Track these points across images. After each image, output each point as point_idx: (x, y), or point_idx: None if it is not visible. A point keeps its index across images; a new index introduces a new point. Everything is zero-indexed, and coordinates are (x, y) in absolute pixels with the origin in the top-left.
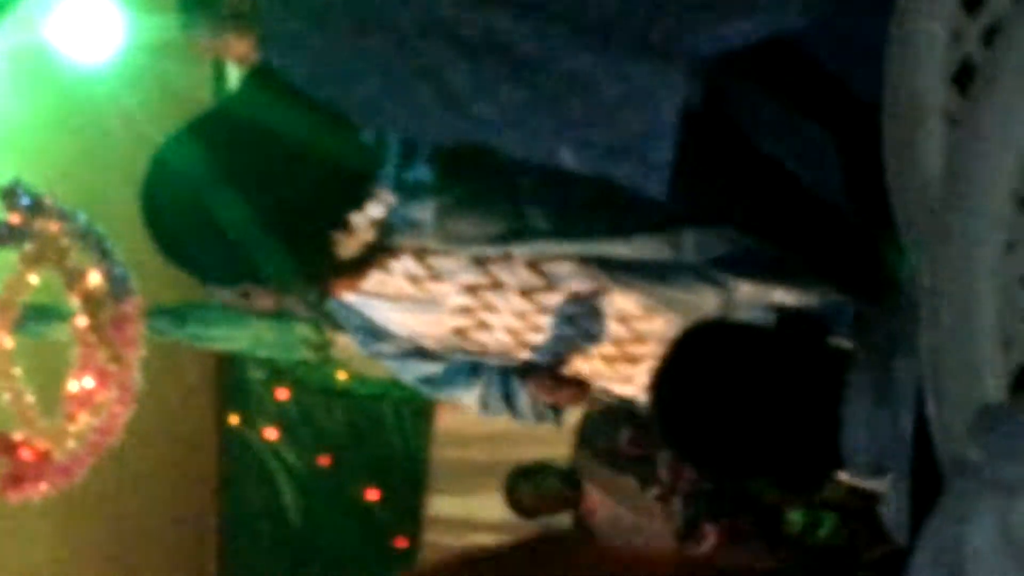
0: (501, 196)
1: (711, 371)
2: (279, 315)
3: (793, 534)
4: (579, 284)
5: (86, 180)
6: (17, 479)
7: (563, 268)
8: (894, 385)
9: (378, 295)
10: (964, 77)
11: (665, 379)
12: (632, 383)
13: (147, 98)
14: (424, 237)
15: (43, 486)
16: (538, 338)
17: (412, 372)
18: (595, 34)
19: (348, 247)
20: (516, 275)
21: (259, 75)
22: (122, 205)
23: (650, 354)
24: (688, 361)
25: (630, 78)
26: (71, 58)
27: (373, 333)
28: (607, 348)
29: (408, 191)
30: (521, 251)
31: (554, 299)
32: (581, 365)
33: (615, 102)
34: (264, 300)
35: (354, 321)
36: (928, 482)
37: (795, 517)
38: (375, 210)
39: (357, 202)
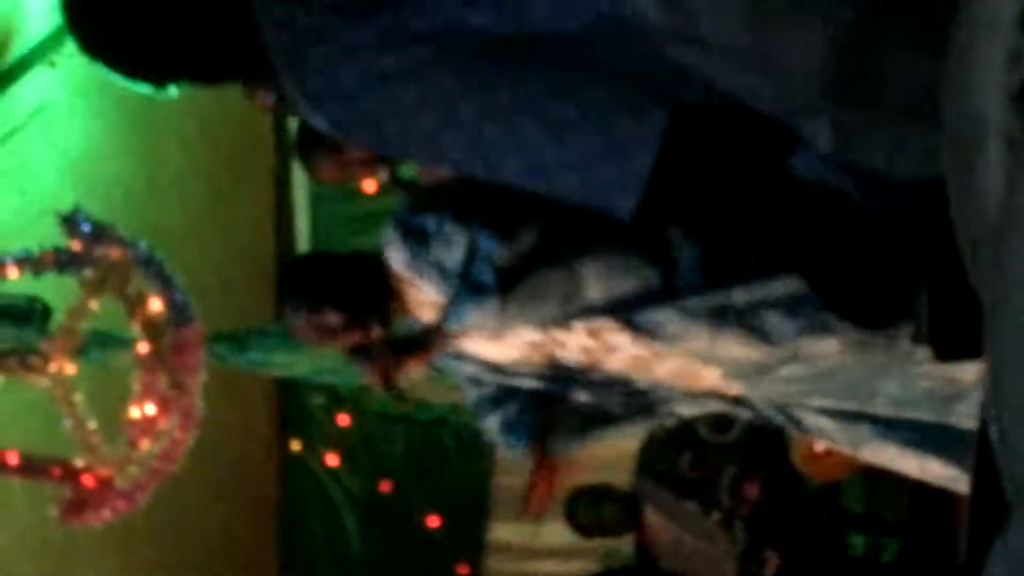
0: (559, 284)
1: None
2: None
3: (855, 559)
4: (637, 350)
5: (146, 206)
6: (79, 505)
7: (620, 338)
8: None
9: None
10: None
11: None
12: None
13: (207, 125)
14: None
15: (105, 512)
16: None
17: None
18: (579, 83)
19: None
20: (577, 338)
21: None
22: (182, 231)
23: (708, 377)
24: None
25: (611, 130)
26: (131, 85)
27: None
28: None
29: (472, 287)
30: (579, 323)
31: (613, 362)
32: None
33: (595, 153)
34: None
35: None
36: (992, 502)
37: (857, 541)
38: (436, 295)
39: None
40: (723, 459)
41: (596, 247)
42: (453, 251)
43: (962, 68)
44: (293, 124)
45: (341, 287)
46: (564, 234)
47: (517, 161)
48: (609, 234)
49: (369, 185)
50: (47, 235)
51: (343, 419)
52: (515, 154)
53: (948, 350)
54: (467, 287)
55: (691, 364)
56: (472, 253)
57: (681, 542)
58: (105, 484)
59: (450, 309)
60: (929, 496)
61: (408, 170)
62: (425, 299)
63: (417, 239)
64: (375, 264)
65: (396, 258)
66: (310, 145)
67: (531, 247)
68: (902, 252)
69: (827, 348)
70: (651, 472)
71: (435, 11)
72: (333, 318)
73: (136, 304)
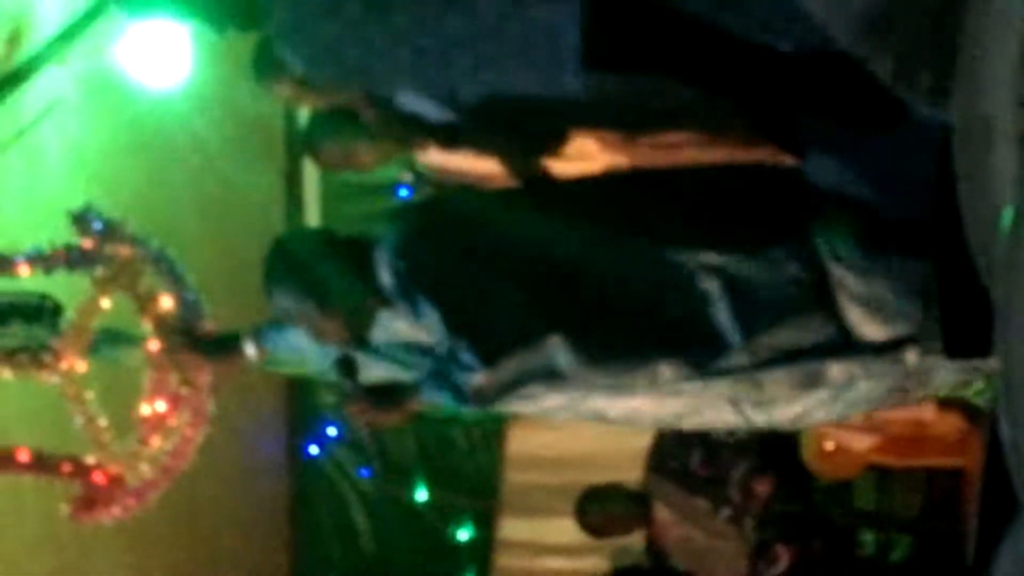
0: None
1: None
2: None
3: (866, 557)
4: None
5: (157, 204)
6: (90, 503)
7: None
8: None
9: None
10: None
11: None
12: None
13: (218, 122)
14: None
15: (115, 510)
16: None
17: None
18: None
19: None
20: None
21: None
22: (193, 229)
23: None
24: None
25: (532, 19)
26: (141, 83)
27: None
28: None
29: (452, 387)
30: None
31: None
32: None
33: (528, 41)
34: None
35: None
36: (1001, 501)
37: (867, 539)
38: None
39: None
40: (734, 457)
41: (580, 367)
42: (437, 341)
43: (972, 70)
44: (303, 119)
45: (320, 273)
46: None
47: (465, 59)
48: (589, 345)
49: (380, 183)
50: (58, 233)
51: None
52: (460, 55)
53: (959, 348)
54: (447, 381)
55: None
56: (451, 355)
57: (691, 539)
58: (116, 481)
59: (428, 387)
60: (941, 494)
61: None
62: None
63: (411, 304)
64: (367, 260)
65: (386, 283)
66: (317, 132)
67: (510, 376)
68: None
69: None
70: (662, 469)
71: None
72: (308, 306)
73: (147, 302)
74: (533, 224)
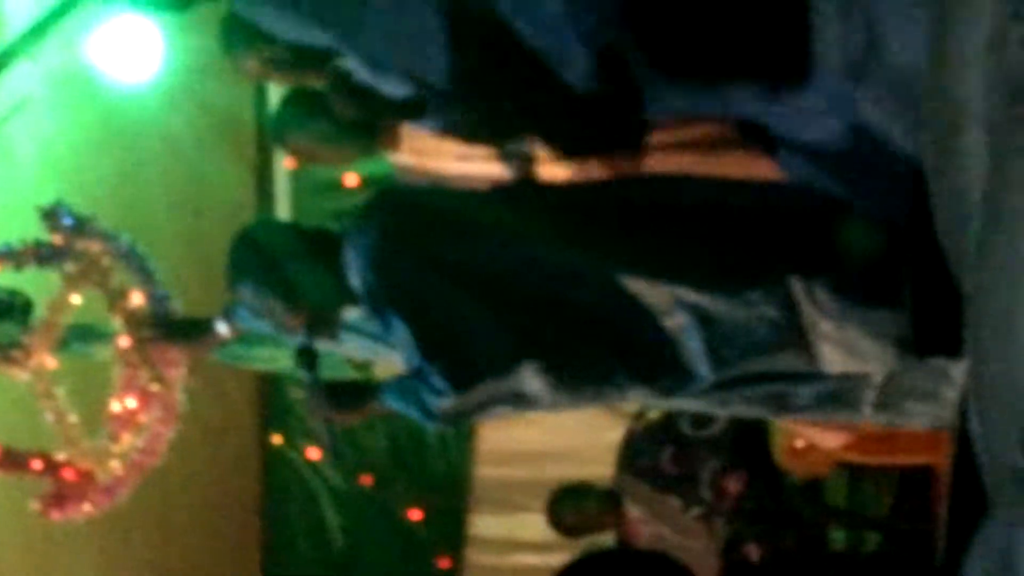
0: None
1: None
2: None
3: (837, 554)
4: None
5: (128, 200)
6: (60, 499)
7: None
8: None
9: None
10: (1005, 85)
11: None
12: None
13: (188, 118)
14: None
15: (86, 506)
16: None
17: None
18: None
19: None
20: None
21: None
22: (164, 225)
23: None
24: None
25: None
26: (112, 79)
27: None
28: None
29: (418, 403)
30: None
31: None
32: None
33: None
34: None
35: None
36: (974, 495)
37: (838, 537)
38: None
39: None
40: (704, 454)
41: (549, 393)
42: (407, 356)
43: (941, 48)
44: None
45: (289, 269)
46: (516, 381)
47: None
48: (561, 372)
49: (351, 179)
50: (28, 229)
51: None
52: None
53: (930, 346)
54: (414, 398)
55: None
56: (421, 374)
57: (662, 537)
58: (86, 478)
59: (393, 397)
60: (911, 492)
61: (383, 165)
62: None
63: (381, 319)
64: (337, 259)
65: (357, 289)
66: (284, 122)
67: (480, 399)
68: (891, 254)
69: None
70: (632, 467)
71: None
72: (274, 302)
73: (117, 298)
74: (509, 237)
